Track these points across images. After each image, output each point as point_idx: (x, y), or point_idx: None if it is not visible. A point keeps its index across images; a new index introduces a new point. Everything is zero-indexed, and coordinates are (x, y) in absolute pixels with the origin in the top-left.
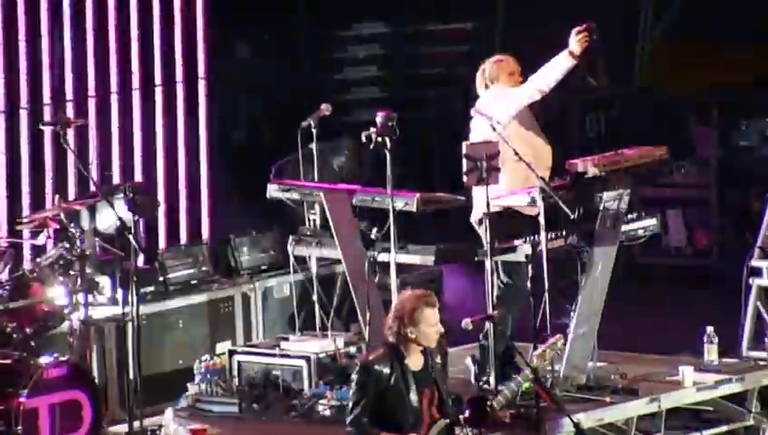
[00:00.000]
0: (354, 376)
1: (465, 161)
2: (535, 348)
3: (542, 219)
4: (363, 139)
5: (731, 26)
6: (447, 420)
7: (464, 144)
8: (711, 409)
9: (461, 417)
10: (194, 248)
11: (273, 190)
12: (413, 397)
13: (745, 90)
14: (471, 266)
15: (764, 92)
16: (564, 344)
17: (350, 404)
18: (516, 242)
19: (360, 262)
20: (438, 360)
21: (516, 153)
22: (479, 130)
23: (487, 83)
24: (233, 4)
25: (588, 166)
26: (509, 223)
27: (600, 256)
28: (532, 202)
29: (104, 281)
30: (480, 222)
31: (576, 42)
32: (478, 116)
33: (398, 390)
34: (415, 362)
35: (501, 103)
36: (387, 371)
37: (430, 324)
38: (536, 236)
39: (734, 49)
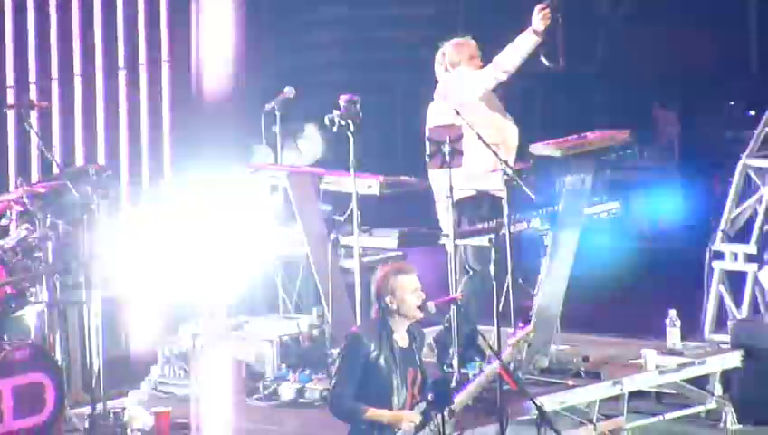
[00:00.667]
0: (341, 349)
1: (427, 145)
2: (499, 332)
3: (505, 203)
4: (326, 122)
5: (694, 10)
6: (425, 404)
7: (427, 127)
8: (673, 392)
9: (416, 401)
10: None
11: (236, 174)
12: (398, 374)
13: (708, 74)
14: (434, 250)
15: (727, 76)
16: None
17: (335, 378)
18: (480, 226)
19: (324, 245)
20: (418, 344)
21: (480, 137)
22: (442, 114)
23: (447, 66)
24: None
25: (551, 149)
26: (483, 207)
27: (562, 239)
28: (495, 185)
29: (66, 263)
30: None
31: (539, 19)
32: (439, 99)
33: (385, 365)
34: (401, 338)
35: (466, 86)
36: (375, 345)
37: (407, 290)
38: (499, 219)
39: (696, 33)
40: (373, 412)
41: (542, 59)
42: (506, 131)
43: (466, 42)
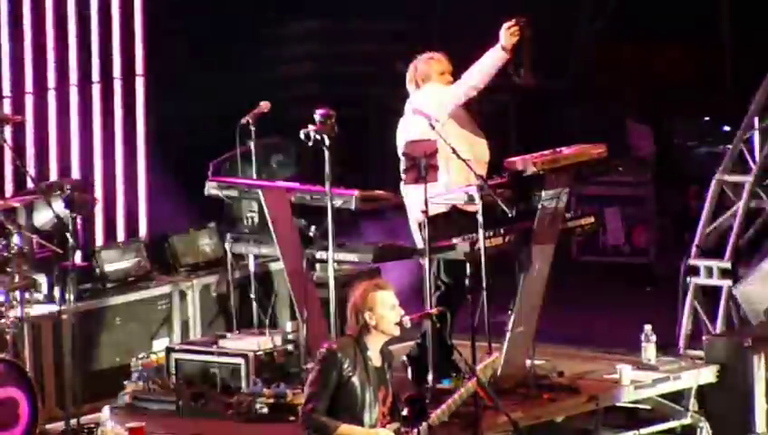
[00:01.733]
0: (315, 364)
1: (403, 159)
2: (474, 348)
3: (479, 217)
4: (302, 136)
5: (668, 25)
6: (398, 424)
7: (403, 142)
8: (649, 407)
9: (386, 421)
10: (131, 245)
11: (211, 188)
12: (371, 393)
13: (683, 88)
14: (411, 265)
15: (702, 91)
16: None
17: (309, 392)
18: (455, 240)
19: (298, 260)
20: (388, 364)
21: (454, 151)
22: (416, 129)
23: (418, 81)
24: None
25: (526, 164)
26: (457, 221)
27: (538, 254)
28: (470, 200)
29: (41, 278)
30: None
31: (507, 35)
32: (413, 114)
33: (358, 383)
34: (375, 356)
35: (434, 102)
36: (349, 362)
37: (386, 307)
38: (475, 234)
39: (671, 47)
40: (346, 429)
41: (512, 76)
42: (477, 147)
43: (438, 57)
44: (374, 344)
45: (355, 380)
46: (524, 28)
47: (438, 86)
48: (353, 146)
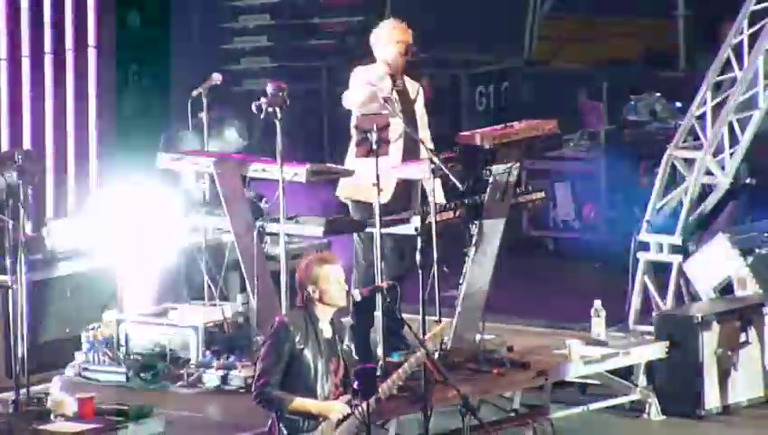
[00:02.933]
0: (266, 337)
1: (354, 133)
2: (424, 321)
3: (430, 191)
4: (253, 109)
5: (621, 1)
6: (349, 396)
7: (354, 115)
8: (598, 382)
9: (339, 393)
10: (82, 216)
11: (163, 160)
12: (323, 365)
13: (635, 64)
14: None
15: (653, 67)
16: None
17: (261, 366)
18: (405, 214)
19: (249, 232)
20: (339, 335)
21: (406, 127)
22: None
23: (372, 46)
24: None
25: (478, 138)
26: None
27: (488, 228)
28: (422, 173)
29: None
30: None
31: (388, 49)
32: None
33: (311, 355)
34: (326, 328)
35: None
36: (300, 334)
37: (329, 281)
38: (426, 208)
39: (623, 23)
40: (300, 402)
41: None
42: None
43: (399, 26)
44: (323, 316)
45: (307, 352)
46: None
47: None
48: (306, 118)
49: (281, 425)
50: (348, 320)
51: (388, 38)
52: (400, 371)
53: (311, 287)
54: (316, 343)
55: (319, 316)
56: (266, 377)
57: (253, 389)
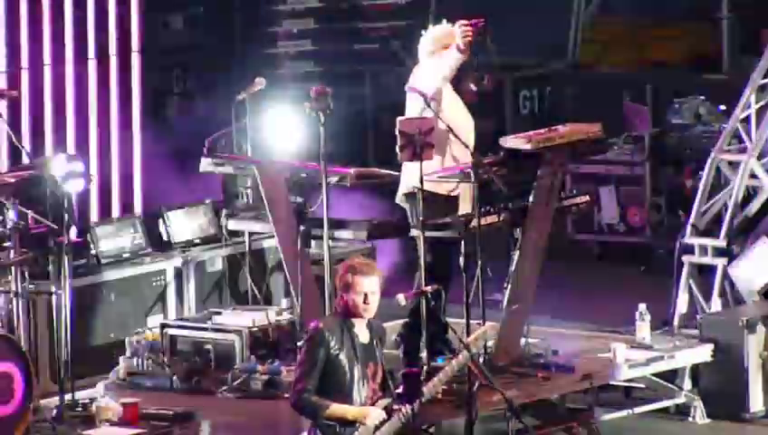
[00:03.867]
0: (302, 344)
1: (399, 137)
2: (468, 325)
3: (475, 195)
4: (297, 114)
5: (665, 4)
6: (390, 399)
7: (398, 120)
8: (643, 386)
9: (395, 392)
10: (126, 221)
11: (206, 164)
12: (359, 370)
13: (679, 67)
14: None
15: (697, 70)
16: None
17: (298, 373)
18: (449, 218)
19: (293, 236)
20: (379, 339)
21: (450, 129)
22: (413, 105)
23: (435, 51)
24: None
25: (522, 142)
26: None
27: (533, 232)
28: (466, 178)
29: (37, 254)
30: (407, 197)
31: (458, 35)
32: (408, 91)
33: (346, 360)
34: (362, 334)
35: (430, 77)
36: (336, 340)
37: (357, 291)
38: (470, 212)
39: (667, 26)
40: (337, 408)
41: (473, 83)
42: (460, 126)
43: (439, 29)
44: (359, 321)
45: (342, 357)
46: (480, 30)
47: (437, 63)
48: (352, 124)
49: (318, 431)
50: (393, 324)
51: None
52: (443, 373)
53: (342, 294)
54: (352, 348)
55: (354, 322)
56: (303, 383)
57: (290, 395)
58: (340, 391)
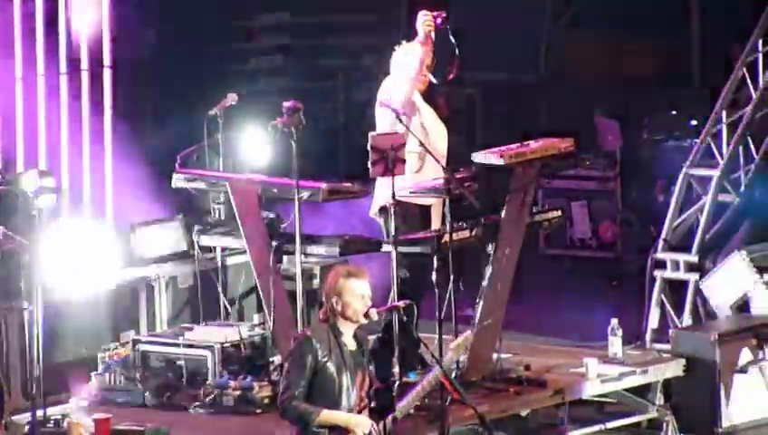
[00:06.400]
0: (290, 351)
1: (370, 152)
2: (441, 340)
3: (447, 210)
4: (269, 129)
5: (636, 19)
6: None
7: (369, 135)
8: (615, 401)
9: (364, 407)
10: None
11: (178, 180)
12: (347, 377)
13: (650, 82)
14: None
15: (668, 85)
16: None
17: (285, 380)
18: (420, 233)
19: (265, 252)
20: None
21: (422, 144)
22: (384, 120)
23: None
24: None
25: (493, 157)
26: (413, 215)
27: (504, 247)
28: (438, 193)
29: (7, 269)
30: (380, 212)
31: (420, 25)
32: (379, 106)
33: (334, 367)
34: (350, 341)
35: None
36: (324, 347)
37: (353, 295)
38: (442, 227)
39: (638, 42)
40: (327, 414)
41: (430, 76)
42: (434, 139)
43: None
44: (347, 329)
45: (330, 365)
46: (442, 21)
47: (403, 77)
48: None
49: None
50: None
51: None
52: (417, 390)
53: (334, 299)
54: (340, 356)
55: (342, 330)
56: (291, 390)
57: (278, 403)
58: (328, 399)
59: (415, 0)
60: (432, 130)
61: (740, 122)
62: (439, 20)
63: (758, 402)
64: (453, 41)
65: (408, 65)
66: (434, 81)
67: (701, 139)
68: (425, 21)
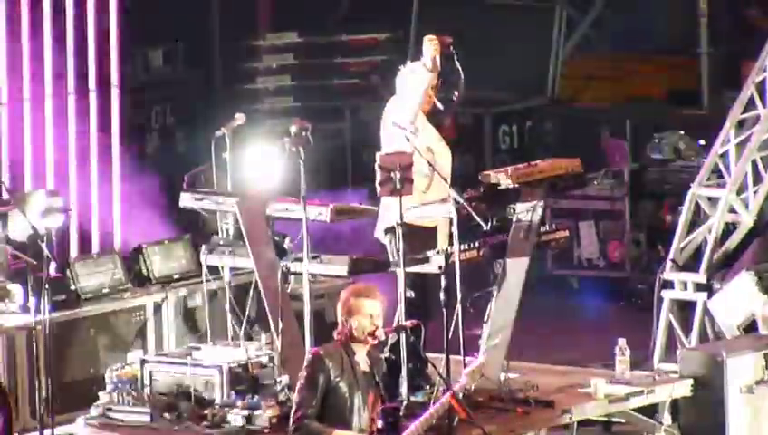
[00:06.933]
0: (303, 370)
1: (378, 172)
2: (448, 359)
3: (455, 230)
4: (277, 148)
5: (644, 40)
6: None
7: (377, 154)
8: (622, 421)
9: (375, 428)
10: (106, 257)
11: (186, 199)
12: (359, 397)
13: (658, 102)
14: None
15: (677, 105)
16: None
17: (298, 399)
18: (429, 253)
19: (273, 271)
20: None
21: (430, 164)
22: (390, 142)
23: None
24: (146, 11)
25: (501, 177)
26: (419, 236)
27: (512, 267)
28: (446, 213)
29: (15, 289)
30: (386, 233)
31: (426, 50)
32: (391, 126)
33: (346, 387)
34: (363, 361)
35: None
36: (337, 366)
37: (362, 315)
38: (449, 247)
39: (646, 61)
40: (339, 434)
41: (435, 101)
42: (438, 158)
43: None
44: (360, 349)
45: (342, 384)
46: (447, 47)
47: (409, 98)
48: (331, 158)
49: None
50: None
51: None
52: (428, 416)
53: (344, 319)
54: (352, 376)
55: (355, 349)
56: (303, 409)
57: (290, 422)
58: (340, 419)
59: (422, 20)
60: (437, 152)
61: (748, 142)
62: (445, 45)
63: (766, 423)
64: (458, 66)
65: (413, 88)
66: (439, 106)
67: (709, 158)
68: (431, 45)
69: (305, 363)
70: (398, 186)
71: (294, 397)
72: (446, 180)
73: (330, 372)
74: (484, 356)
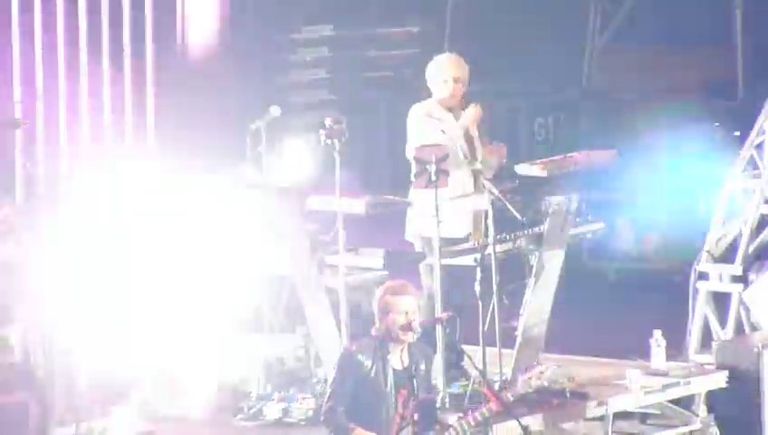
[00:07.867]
0: (336, 363)
1: (413, 164)
2: (485, 352)
3: (490, 222)
4: (312, 141)
5: (679, 31)
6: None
7: (413, 147)
8: (658, 412)
9: (411, 419)
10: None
11: None
12: (391, 393)
13: (693, 93)
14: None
15: (712, 96)
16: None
17: (329, 391)
18: (465, 245)
19: (308, 264)
20: (423, 366)
21: (466, 157)
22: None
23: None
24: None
25: (537, 169)
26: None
27: (548, 258)
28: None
29: None
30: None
31: (468, 114)
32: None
33: (376, 383)
34: (398, 359)
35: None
36: (368, 362)
37: (396, 311)
38: (485, 238)
39: (681, 52)
40: (360, 433)
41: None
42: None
43: (443, 61)
44: (395, 346)
45: (372, 380)
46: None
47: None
48: (365, 150)
49: None
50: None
51: (442, 74)
52: (472, 417)
53: (380, 316)
54: (383, 373)
55: (391, 347)
56: (331, 402)
57: (321, 411)
58: (368, 414)
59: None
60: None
61: None
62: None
63: None
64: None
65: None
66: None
67: (744, 150)
68: (474, 112)
69: (338, 359)
70: (434, 178)
71: (328, 387)
72: (481, 174)
73: (360, 367)
74: (546, 366)
